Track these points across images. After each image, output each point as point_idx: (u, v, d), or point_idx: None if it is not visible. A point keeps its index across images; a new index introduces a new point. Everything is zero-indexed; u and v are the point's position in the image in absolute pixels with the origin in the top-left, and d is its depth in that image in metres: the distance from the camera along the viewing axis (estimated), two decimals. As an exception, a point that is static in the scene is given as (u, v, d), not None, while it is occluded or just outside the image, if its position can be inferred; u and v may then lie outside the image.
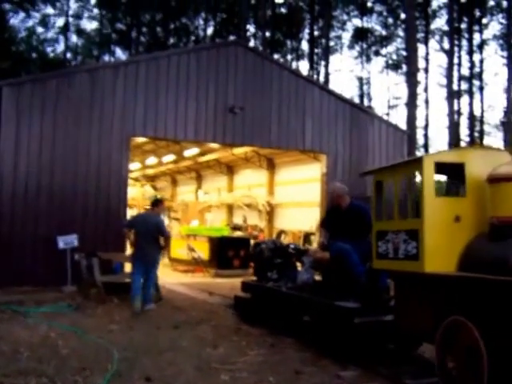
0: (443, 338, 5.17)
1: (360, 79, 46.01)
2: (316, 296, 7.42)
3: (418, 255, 5.35)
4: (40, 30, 44.44)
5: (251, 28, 43.21)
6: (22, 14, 39.09)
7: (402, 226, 5.70)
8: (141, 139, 17.51)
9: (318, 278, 8.31)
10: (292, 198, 20.73)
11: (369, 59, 45.82)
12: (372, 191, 6.49)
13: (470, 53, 35.87)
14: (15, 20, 39.88)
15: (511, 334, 4.37)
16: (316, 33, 42.81)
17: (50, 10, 44.69)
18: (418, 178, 5.64)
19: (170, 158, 24.18)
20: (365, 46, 45.62)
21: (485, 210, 5.35)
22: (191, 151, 21.95)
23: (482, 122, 36.52)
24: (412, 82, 26.05)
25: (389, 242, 5.88)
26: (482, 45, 36.15)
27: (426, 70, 38.23)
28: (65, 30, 44.92)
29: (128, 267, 12.61)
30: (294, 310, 7.75)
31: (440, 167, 5.52)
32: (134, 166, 26.29)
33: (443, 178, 6.36)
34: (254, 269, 10.16)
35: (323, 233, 8.17)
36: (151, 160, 25.74)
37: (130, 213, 19.67)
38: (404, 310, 5.96)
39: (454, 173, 5.74)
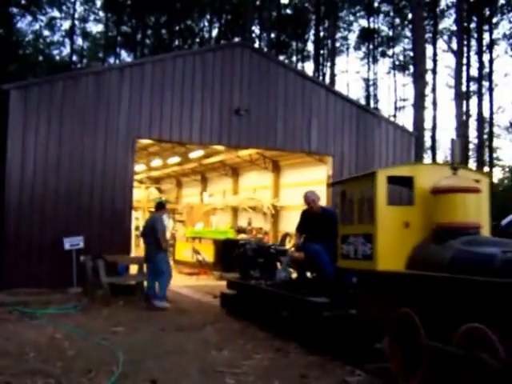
0: (393, 326, 5.92)
1: (366, 80, 45.97)
2: (291, 292, 8.19)
3: (372, 256, 6.13)
4: (46, 33, 44.76)
5: (256, 29, 43.29)
6: (28, 18, 39.35)
7: (360, 231, 6.51)
8: (146, 141, 17.59)
9: (294, 275, 9.22)
10: (297, 201, 20.73)
11: (375, 60, 45.78)
12: (338, 200, 7.30)
13: (479, 53, 35.55)
14: (22, 23, 40.18)
15: (445, 321, 5.15)
16: (322, 34, 42.80)
17: (56, 14, 44.98)
18: (373, 189, 6.30)
19: (175, 160, 24.26)
20: (371, 46, 45.57)
21: (429, 217, 6.08)
22: (196, 153, 22.03)
23: (491, 124, 36.28)
24: (419, 83, 25.97)
25: (350, 244, 6.68)
26: (491, 45, 35.77)
27: (434, 71, 38.08)
28: (71, 32, 45.18)
29: (133, 269, 12.71)
30: (273, 304, 8.56)
31: (392, 180, 6.35)
32: (139, 167, 26.41)
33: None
34: (238, 267, 10.81)
35: (298, 235, 8.99)
36: (156, 162, 25.83)
37: (135, 215, 19.80)
38: (364, 303, 6.66)
39: (405, 184, 6.59)
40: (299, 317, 7.71)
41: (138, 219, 21.53)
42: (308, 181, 19.20)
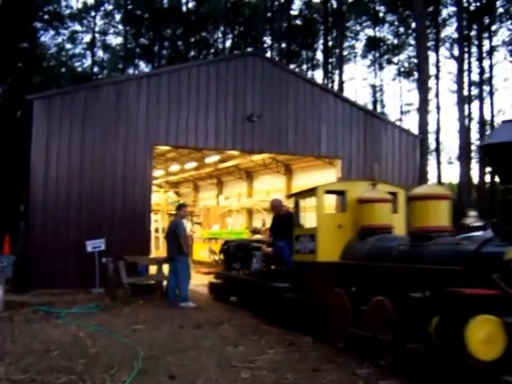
0: (330, 303, 7.39)
1: (373, 87, 45.74)
2: (262, 280, 9.68)
3: (315, 250, 7.70)
4: (69, 46, 45.11)
5: (268, 40, 43.27)
6: (51, 32, 39.65)
7: (307, 232, 8.13)
8: (164, 147, 17.60)
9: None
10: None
11: (381, 67, 45.54)
12: (293, 208, 8.80)
13: (480, 59, 35.37)
14: (45, 37, 40.48)
15: (363, 295, 6.66)
16: (330, 43, 42.68)
17: (77, 27, 45.33)
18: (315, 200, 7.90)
19: (192, 165, 24.28)
20: (377, 54, 45.34)
21: (357, 221, 7.59)
22: (212, 158, 22.01)
23: (492, 127, 35.97)
24: (423, 89, 25.80)
25: (301, 242, 8.17)
26: (491, 51, 35.59)
27: (437, 77, 37.82)
28: (92, 45, 45.50)
29: (153, 269, 12.71)
30: (248, 290, 10.25)
31: (330, 192, 8.45)
32: (157, 173, 26.44)
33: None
34: (223, 261, 12.28)
35: (270, 235, 10.53)
36: (174, 167, 25.86)
37: (154, 218, 19.81)
38: (312, 286, 8.08)
39: (340, 196, 8.49)
40: (268, 298, 9.11)
41: (158, 222, 21.54)
42: (319, 183, 19.03)
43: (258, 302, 9.61)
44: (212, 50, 45.69)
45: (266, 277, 9.73)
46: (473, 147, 35.35)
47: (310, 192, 8.24)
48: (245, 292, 10.49)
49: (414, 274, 5.88)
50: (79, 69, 46.32)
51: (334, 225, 7.71)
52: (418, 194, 6.48)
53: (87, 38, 46.96)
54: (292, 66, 37.88)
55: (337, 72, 39.79)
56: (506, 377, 4.32)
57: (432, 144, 36.60)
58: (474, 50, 35.98)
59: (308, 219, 8.72)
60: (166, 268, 11.60)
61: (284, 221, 9.51)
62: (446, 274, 5.36)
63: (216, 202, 25.95)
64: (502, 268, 4.75)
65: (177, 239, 10.88)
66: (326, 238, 7.63)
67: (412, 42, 40.67)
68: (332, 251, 7.53)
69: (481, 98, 34.97)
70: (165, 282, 11.56)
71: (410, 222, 6.80)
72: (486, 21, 35.59)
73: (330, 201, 8.90)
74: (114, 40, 58.24)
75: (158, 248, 19.30)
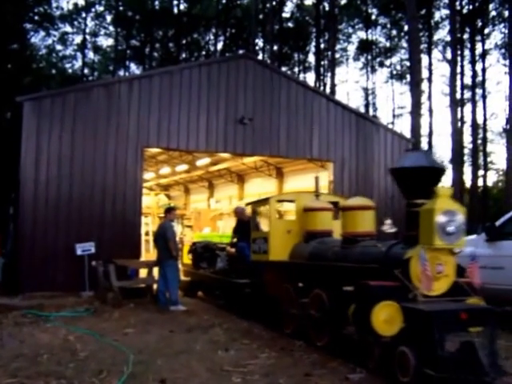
0: (280, 296, 8.56)
1: (365, 89, 45.97)
2: (225, 277, 10.90)
3: (268, 251, 8.88)
4: (59, 47, 44.97)
5: (259, 42, 43.39)
6: (42, 33, 39.50)
7: (261, 235, 9.28)
8: (155, 150, 17.58)
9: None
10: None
11: (374, 70, 45.78)
12: (251, 214, 9.99)
13: (473, 62, 35.59)
14: (35, 38, 40.30)
15: (305, 289, 7.94)
16: (322, 45, 42.83)
17: (68, 29, 45.20)
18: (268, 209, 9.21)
19: (183, 167, 24.26)
20: (369, 57, 45.59)
21: (303, 226, 8.70)
22: (203, 161, 22.00)
23: (484, 130, 36.20)
24: (416, 92, 25.93)
25: (257, 244, 9.35)
26: (484, 54, 35.81)
27: (430, 80, 38.04)
28: (82, 47, 45.38)
29: (143, 273, 12.69)
30: (213, 286, 11.74)
31: (281, 202, 10.38)
32: (148, 175, 26.40)
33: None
34: (192, 260, 13.27)
35: (233, 236, 11.54)
36: (165, 170, 25.83)
37: (145, 221, 19.76)
38: (267, 282, 9.18)
39: (290, 205, 10.03)
40: (230, 293, 10.46)
41: (148, 225, 21.49)
42: (310, 186, 19.09)
43: (221, 295, 11.18)
44: (203, 52, 45.74)
45: (228, 274, 10.96)
46: (465, 151, 35.58)
47: (264, 201, 9.55)
48: (211, 287, 11.99)
49: (343, 270, 7.05)
50: (70, 70, 46.20)
51: (283, 229, 8.91)
52: (348, 205, 7.72)
53: (78, 39, 46.84)
54: (284, 69, 38.04)
55: (329, 75, 39.92)
56: (401, 347, 5.50)
57: (425, 147, 36.80)
58: (466, 53, 36.23)
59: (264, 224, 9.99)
60: (156, 271, 11.60)
61: (246, 225, 10.54)
62: (365, 271, 6.43)
63: (207, 205, 25.93)
64: (402, 265, 5.99)
65: (166, 243, 10.89)
66: (276, 240, 8.81)
67: (404, 44, 40.97)
68: (282, 252, 8.70)
69: (473, 101, 35.20)
70: (155, 286, 11.55)
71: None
72: (479, 24, 35.85)
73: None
74: (105, 41, 58.18)
75: (149, 251, 19.25)
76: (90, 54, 48.13)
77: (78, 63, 46.53)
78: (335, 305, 6.89)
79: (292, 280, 8.38)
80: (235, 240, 11.28)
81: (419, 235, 5.99)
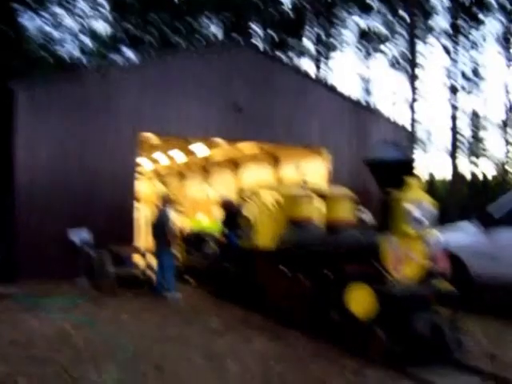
0: (266, 280, 9.01)
1: (363, 77, 45.79)
2: (213, 262, 11.59)
3: (254, 238, 9.30)
4: (51, 30, 44.44)
5: (257, 28, 43.06)
6: (32, 15, 38.99)
7: (249, 223, 9.59)
8: (150, 136, 17.50)
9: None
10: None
11: (372, 58, 45.57)
12: (240, 203, 10.47)
13: (471, 51, 35.57)
14: (25, 20, 39.74)
15: (290, 271, 8.24)
16: (320, 33, 42.60)
17: (61, 11, 44.67)
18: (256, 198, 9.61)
19: (179, 154, 24.16)
20: (368, 45, 45.36)
21: (288, 215, 8.98)
22: (199, 148, 21.91)
23: (482, 119, 36.27)
24: (414, 81, 25.92)
25: (245, 231, 9.71)
26: (482, 43, 35.83)
27: (428, 69, 37.97)
28: (76, 30, 44.90)
29: (137, 259, 12.69)
30: (203, 271, 12.26)
31: (268, 191, 9.75)
32: (143, 162, 26.29)
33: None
34: (183, 247, 13.67)
35: (223, 228, 11.74)
36: (160, 156, 25.72)
37: (139, 207, 19.71)
38: (253, 267, 9.52)
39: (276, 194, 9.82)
40: (216, 276, 11.12)
41: (143, 211, 21.44)
42: (306, 174, 19.11)
43: (211, 280, 11.66)
44: (200, 38, 45.39)
45: (217, 260, 11.54)
46: (463, 140, 35.59)
47: (251, 191, 10.09)
48: (200, 272, 12.54)
49: (323, 256, 7.53)
50: (63, 55, 45.73)
51: (269, 217, 9.27)
52: (329, 195, 8.23)
53: (71, 23, 46.35)
54: (281, 56, 37.80)
55: (326, 62, 39.79)
56: (374, 326, 5.88)
57: (421, 136, 36.82)
58: (464, 41, 36.14)
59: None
60: (150, 258, 11.60)
61: (233, 214, 11.00)
62: (344, 256, 7.00)
63: (203, 193, 25.88)
64: (376, 251, 6.39)
65: (162, 230, 10.85)
66: (263, 228, 9.25)
67: (403, 32, 40.78)
68: (268, 239, 9.08)
69: (470, 89, 35.18)
70: (150, 273, 11.55)
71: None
72: (478, 12, 35.74)
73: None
74: (100, 26, 57.60)
75: (143, 238, 19.23)
76: (85, 39, 47.66)
77: (72, 47, 46.12)
78: (317, 288, 7.39)
79: (277, 265, 8.75)
80: (226, 231, 11.43)
81: (391, 223, 6.46)
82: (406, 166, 6.59)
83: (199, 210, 22.51)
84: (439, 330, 5.93)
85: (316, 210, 9.01)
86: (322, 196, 8.45)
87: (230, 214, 11.32)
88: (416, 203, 6.31)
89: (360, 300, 6.02)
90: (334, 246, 7.39)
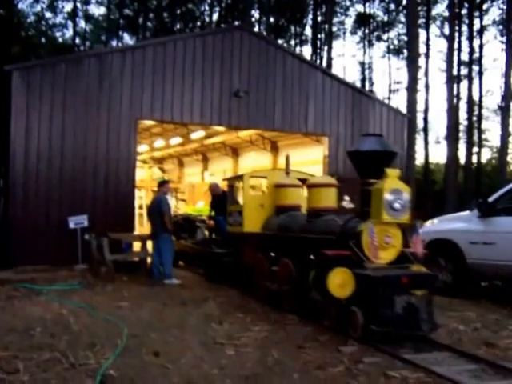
0: (253, 264, 9.35)
1: (362, 64, 45.60)
2: (204, 247, 11.99)
3: (242, 223, 9.67)
4: (48, 15, 44.00)
5: (256, 13, 42.79)
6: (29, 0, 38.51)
7: (237, 209, 10.01)
8: (148, 122, 17.44)
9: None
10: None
11: (371, 44, 45.36)
12: (228, 189, 10.78)
13: (470, 38, 35.36)
14: (23, 4, 39.28)
15: (274, 257, 8.75)
16: (319, 18, 42.35)
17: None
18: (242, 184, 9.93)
19: (177, 140, 24.10)
20: (367, 31, 45.11)
21: (274, 201, 9.46)
22: (197, 134, 21.87)
23: (480, 107, 36.17)
24: (413, 67, 25.80)
25: (233, 217, 10.14)
26: (481, 30, 35.62)
27: (427, 55, 37.77)
28: (73, 15, 44.50)
29: (137, 246, 12.70)
30: (193, 255, 12.72)
31: (254, 178, 10.61)
32: (142, 148, 26.24)
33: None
34: (174, 231, 13.47)
35: (210, 211, 12.52)
36: (159, 143, 25.67)
37: (139, 194, 19.71)
38: (241, 252, 10.00)
39: (263, 181, 10.57)
40: (209, 261, 11.32)
41: (142, 198, 21.44)
42: (305, 161, 19.07)
43: (201, 264, 12.06)
44: (198, 23, 45.04)
45: (207, 244, 11.98)
46: (461, 127, 35.55)
47: (239, 177, 10.37)
48: (191, 257, 12.86)
49: (306, 241, 7.87)
50: (60, 39, 45.35)
51: (257, 204, 9.65)
52: (312, 183, 8.55)
53: (68, 7, 45.91)
54: (280, 41, 37.56)
55: (325, 48, 39.57)
56: (352, 307, 6.37)
57: (420, 123, 36.76)
58: (464, 28, 35.97)
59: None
60: (149, 245, 11.60)
61: (221, 199, 11.38)
62: (326, 241, 7.28)
63: (201, 179, 25.86)
64: (355, 237, 6.84)
65: (160, 216, 10.85)
66: (250, 213, 9.59)
67: (402, 19, 40.55)
68: (255, 224, 9.48)
69: (470, 77, 35.08)
70: (149, 259, 11.57)
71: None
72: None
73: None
74: (97, 10, 57.12)
75: (142, 225, 19.23)
76: (82, 23, 47.29)
77: (69, 32, 45.73)
78: (300, 272, 7.73)
79: (264, 250, 9.12)
80: (213, 214, 12.26)
81: (371, 211, 6.83)
82: (386, 157, 7.00)
83: (199, 198, 22.47)
84: (414, 310, 6.27)
85: (300, 197, 9.31)
86: (307, 184, 8.78)
87: (220, 199, 11.69)
88: (394, 192, 6.68)
89: (340, 282, 6.33)
90: (317, 232, 7.72)
